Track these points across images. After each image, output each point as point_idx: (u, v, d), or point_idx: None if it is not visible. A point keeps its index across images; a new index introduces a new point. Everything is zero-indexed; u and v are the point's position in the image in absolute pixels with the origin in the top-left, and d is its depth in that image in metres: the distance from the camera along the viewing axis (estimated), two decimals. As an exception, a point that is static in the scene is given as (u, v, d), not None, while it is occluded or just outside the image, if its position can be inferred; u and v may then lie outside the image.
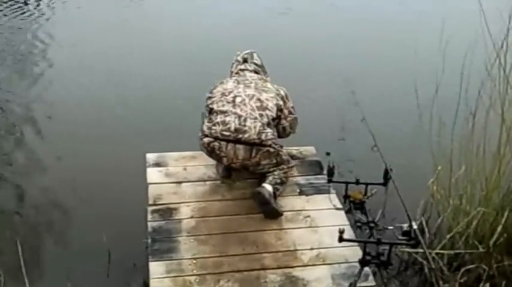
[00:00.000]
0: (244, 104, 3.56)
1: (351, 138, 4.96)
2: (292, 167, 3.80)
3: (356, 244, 3.16)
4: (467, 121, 3.62)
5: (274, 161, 3.63)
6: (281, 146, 3.69)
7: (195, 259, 3.15)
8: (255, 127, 3.51)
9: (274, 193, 3.52)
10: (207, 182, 3.79)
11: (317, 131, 4.93)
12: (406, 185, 3.33)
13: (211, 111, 3.64)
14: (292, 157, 4.05)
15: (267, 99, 3.62)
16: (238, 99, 3.58)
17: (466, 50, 3.62)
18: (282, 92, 3.74)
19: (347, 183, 3.53)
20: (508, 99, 3.43)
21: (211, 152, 3.61)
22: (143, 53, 6.69)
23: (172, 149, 4.11)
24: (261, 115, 3.55)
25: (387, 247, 2.93)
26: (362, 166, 4.20)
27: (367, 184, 3.48)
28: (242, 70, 3.83)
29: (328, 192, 3.70)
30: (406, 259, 3.73)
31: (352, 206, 3.45)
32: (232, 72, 3.89)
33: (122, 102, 5.62)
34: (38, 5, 8.38)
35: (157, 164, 3.95)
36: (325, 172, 3.69)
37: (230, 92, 3.63)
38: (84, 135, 4.98)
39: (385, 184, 3.41)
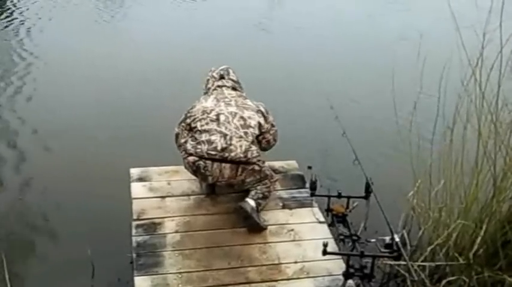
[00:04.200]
0: (228, 122, 3.58)
1: (332, 152, 5.03)
2: (275, 181, 3.84)
3: (339, 256, 3.21)
4: (445, 136, 3.71)
5: (258, 177, 3.66)
6: (263, 162, 3.73)
7: (180, 273, 3.16)
8: (240, 146, 3.54)
9: (257, 207, 3.55)
10: (191, 197, 3.81)
11: (298, 146, 4.99)
12: (387, 198, 3.40)
13: (192, 129, 3.64)
14: (275, 171, 4.10)
15: (249, 117, 3.65)
16: (222, 118, 3.60)
17: (443, 67, 3.71)
18: (262, 108, 3.77)
19: (329, 196, 3.58)
20: (484, 114, 3.53)
21: (195, 171, 3.61)
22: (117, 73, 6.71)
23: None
24: (245, 133, 3.59)
25: (370, 260, 2.98)
26: (343, 180, 4.27)
27: (349, 197, 3.54)
28: (220, 87, 3.81)
29: (311, 205, 3.75)
30: (388, 271, 3.79)
31: (335, 219, 3.50)
32: (209, 88, 3.86)
33: (103, 117, 5.62)
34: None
35: (141, 179, 3.96)
36: (307, 185, 3.74)
37: (212, 110, 3.64)
38: (67, 149, 4.98)
39: (366, 197, 3.47)
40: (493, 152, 3.43)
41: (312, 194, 3.60)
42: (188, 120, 3.67)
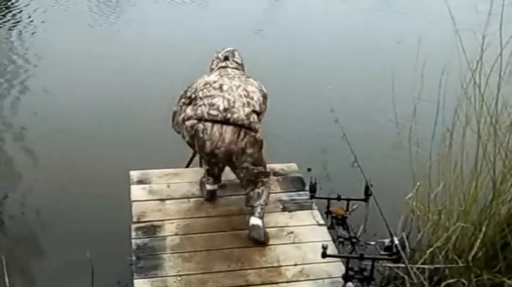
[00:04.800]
0: (232, 90, 3.46)
1: (332, 155, 5.04)
2: (269, 177, 3.67)
3: (339, 259, 3.21)
4: (445, 138, 3.71)
5: (256, 155, 3.46)
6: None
7: (179, 276, 3.16)
8: (244, 110, 3.38)
9: (263, 224, 3.49)
10: (191, 199, 3.81)
11: (298, 148, 5.00)
12: (387, 201, 3.41)
13: (191, 102, 3.48)
14: (275, 173, 4.10)
15: (252, 92, 3.53)
16: (225, 87, 3.47)
17: (442, 69, 3.73)
18: (264, 90, 3.67)
19: (329, 199, 3.60)
20: (484, 117, 3.53)
21: (193, 136, 3.38)
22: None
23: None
24: (248, 103, 3.45)
25: (370, 262, 2.99)
26: (343, 182, 4.27)
27: (348, 200, 3.56)
28: (223, 67, 3.69)
29: (311, 208, 3.75)
30: (387, 274, 3.79)
31: (334, 221, 3.52)
32: (212, 69, 3.74)
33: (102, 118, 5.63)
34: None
35: (141, 182, 3.96)
36: (307, 188, 3.75)
37: (215, 82, 3.52)
38: (66, 152, 4.98)
39: (366, 199, 3.49)
40: (492, 154, 3.44)
41: (312, 197, 3.62)
42: (189, 93, 3.52)
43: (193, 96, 3.48)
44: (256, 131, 3.42)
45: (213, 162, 3.58)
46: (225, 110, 3.34)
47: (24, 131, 5.45)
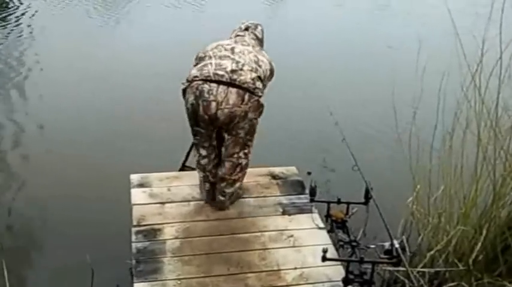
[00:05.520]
0: (243, 54, 3.46)
1: (332, 158, 5.03)
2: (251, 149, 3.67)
3: (339, 263, 3.21)
4: (445, 141, 3.71)
5: (255, 122, 3.48)
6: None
7: (179, 279, 3.16)
8: (251, 74, 3.38)
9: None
10: (191, 203, 3.80)
11: (298, 151, 5.00)
12: (387, 204, 3.41)
13: (201, 59, 3.47)
14: (275, 176, 4.11)
15: (262, 61, 3.53)
16: (236, 50, 3.47)
17: (442, 72, 3.73)
18: (274, 65, 3.66)
19: (329, 202, 3.59)
20: (484, 120, 3.53)
21: (198, 97, 3.32)
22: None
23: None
24: (256, 69, 3.45)
25: (370, 266, 2.98)
26: (343, 186, 4.27)
27: (348, 203, 3.55)
28: (240, 36, 3.68)
29: (311, 211, 3.75)
30: (387, 277, 3.79)
31: (334, 225, 3.51)
32: (230, 38, 3.74)
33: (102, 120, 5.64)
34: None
35: (141, 185, 3.96)
36: (307, 191, 3.75)
37: (228, 44, 3.53)
38: (66, 154, 4.99)
39: (366, 203, 3.48)
40: (492, 157, 3.43)
41: (312, 200, 3.62)
42: (200, 55, 3.50)
43: (202, 56, 3.46)
44: (259, 96, 3.41)
45: (209, 129, 3.50)
46: (232, 71, 3.34)
47: (23, 135, 5.46)
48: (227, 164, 3.63)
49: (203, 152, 3.66)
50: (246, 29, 3.73)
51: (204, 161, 3.69)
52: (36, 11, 8.94)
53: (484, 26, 3.60)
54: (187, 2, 9.71)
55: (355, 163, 3.54)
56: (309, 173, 3.96)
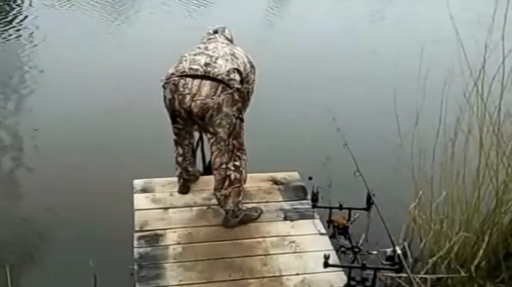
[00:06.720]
0: (217, 49, 3.51)
1: (334, 163, 5.03)
2: (245, 156, 3.62)
3: (341, 269, 3.21)
4: (447, 147, 3.71)
5: (234, 121, 3.42)
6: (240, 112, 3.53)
7: (181, 285, 3.17)
8: (225, 66, 3.40)
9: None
10: (194, 208, 3.82)
11: (300, 157, 4.99)
12: (388, 210, 3.41)
13: (179, 61, 3.51)
14: (276, 182, 4.11)
15: (238, 54, 3.56)
16: (210, 47, 3.53)
17: (445, 78, 3.73)
18: (252, 60, 3.67)
19: (331, 208, 3.61)
20: (486, 126, 3.53)
21: (174, 92, 3.38)
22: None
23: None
24: (232, 60, 3.46)
25: (371, 272, 2.98)
26: (345, 191, 4.27)
27: (350, 209, 3.57)
28: (212, 39, 3.71)
29: (313, 217, 3.75)
30: (389, 283, 3.78)
31: (336, 231, 3.52)
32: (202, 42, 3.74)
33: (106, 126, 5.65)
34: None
35: (144, 190, 3.97)
36: (309, 197, 3.75)
37: (202, 44, 3.60)
38: (69, 160, 4.99)
39: (367, 208, 3.49)
40: (494, 163, 3.43)
41: (314, 206, 3.64)
42: (178, 58, 3.54)
43: (179, 59, 3.53)
44: (234, 89, 3.40)
45: (187, 125, 3.58)
46: (206, 64, 3.39)
47: (26, 139, 5.48)
48: (216, 176, 3.57)
49: (180, 150, 3.74)
50: (215, 32, 3.79)
51: (180, 159, 3.77)
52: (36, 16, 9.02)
53: (485, 33, 3.60)
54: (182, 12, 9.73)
55: (357, 169, 3.55)
56: (310, 178, 3.96)
